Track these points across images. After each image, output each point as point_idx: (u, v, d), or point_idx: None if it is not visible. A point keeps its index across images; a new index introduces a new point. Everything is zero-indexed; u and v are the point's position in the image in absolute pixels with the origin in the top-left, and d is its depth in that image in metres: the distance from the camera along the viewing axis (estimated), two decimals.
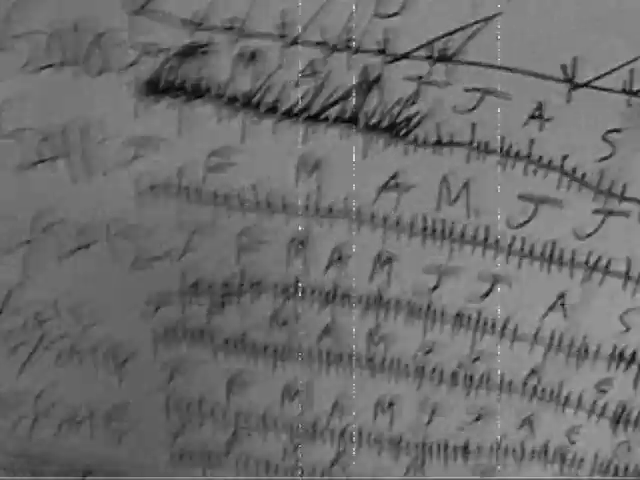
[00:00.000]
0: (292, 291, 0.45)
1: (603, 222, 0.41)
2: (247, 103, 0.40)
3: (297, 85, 0.40)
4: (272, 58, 0.39)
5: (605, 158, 0.40)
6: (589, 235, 0.42)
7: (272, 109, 0.40)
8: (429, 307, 0.44)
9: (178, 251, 0.44)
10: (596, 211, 0.41)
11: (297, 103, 0.40)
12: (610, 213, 0.41)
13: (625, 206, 0.41)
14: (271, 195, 0.42)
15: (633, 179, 0.40)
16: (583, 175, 0.40)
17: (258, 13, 0.38)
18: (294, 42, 0.39)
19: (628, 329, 0.44)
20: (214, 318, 0.46)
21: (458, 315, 0.44)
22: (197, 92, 0.40)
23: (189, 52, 0.39)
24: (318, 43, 0.39)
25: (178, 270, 0.45)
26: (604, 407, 0.46)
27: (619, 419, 0.46)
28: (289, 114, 0.40)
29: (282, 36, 0.39)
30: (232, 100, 0.40)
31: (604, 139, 0.39)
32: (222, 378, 0.47)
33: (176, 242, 0.44)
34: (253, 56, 0.40)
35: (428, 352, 0.45)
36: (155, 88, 0.40)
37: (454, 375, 0.46)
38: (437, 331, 0.45)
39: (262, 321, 0.46)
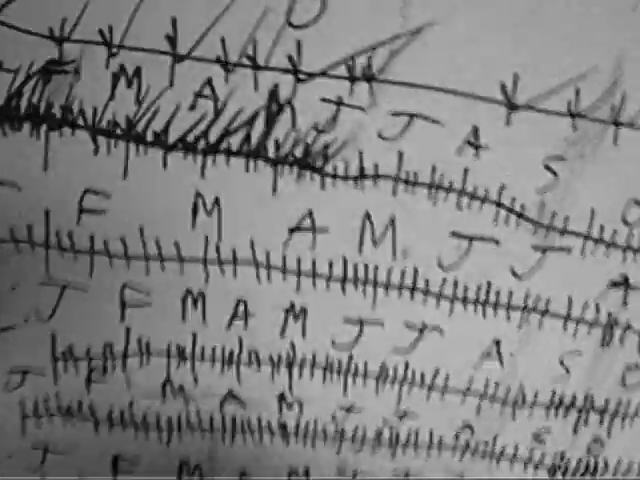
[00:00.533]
0: (189, 351, 0.38)
1: (542, 259, 0.37)
2: (130, 130, 0.33)
3: (192, 108, 0.33)
4: (160, 76, 0.32)
5: (546, 188, 0.35)
6: (527, 274, 0.37)
7: (160, 137, 0.33)
8: (350, 361, 0.38)
9: (47, 310, 0.36)
10: (535, 247, 0.37)
11: (192, 130, 0.33)
12: (550, 249, 0.37)
13: (567, 240, 0.37)
14: (162, 239, 0.35)
15: (576, 210, 0.36)
16: (522, 207, 0.36)
17: (142, 21, 0.31)
18: (187, 56, 0.32)
19: (568, 372, 0.40)
20: (94, 387, 0.38)
21: (382, 368, 0.39)
22: (67, 118, 0.33)
23: (55, 69, 0.32)
24: (218, 59, 0.32)
25: (47, 332, 0.37)
26: (541, 458, 0.42)
27: (557, 469, 0.42)
28: (182, 143, 0.33)
29: (173, 49, 0.32)
30: (111, 127, 0.33)
31: (546, 167, 0.35)
32: (106, 457, 0.40)
33: (45, 300, 0.36)
34: (137, 73, 0.32)
35: (349, 411, 0.40)
36: (12, 114, 0.32)
37: (378, 435, 0.40)
38: (359, 387, 0.39)
39: (153, 388, 0.39)
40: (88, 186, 0.34)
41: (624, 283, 0.38)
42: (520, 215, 0.36)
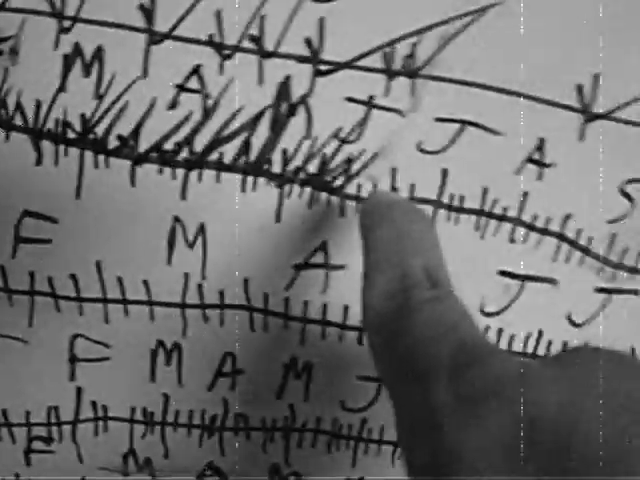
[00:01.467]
0: (158, 417, 0.29)
1: (606, 304, 0.29)
2: (86, 134, 0.24)
3: (172, 106, 0.24)
4: (129, 61, 0.24)
5: (620, 218, 0.28)
6: (587, 322, 0.30)
7: (128, 144, 0.25)
8: (362, 427, 0.31)
9: None
10: (599, 290, 0.29)
11: (171, 135, 0.25)
12: (617, 292, 0.29)
13: (638, 281, 0.29)
14: (126, 278, 0.27)
15: None
16: (588, 241, 0.28)
17: None
18: (168, 35, 0.23)
19: None
20: (35, 460, 0.30)
21: None
22: None
23: None
24: (210, 40, 0.24)
25: None
26: None
27: None
28: (157, 153, 0.25)
29: (148, 25, 0.23)
30: (61, 129, 0.24)
31: (622, 192, 0.27)
32: None
33: None
34: (98, 56, 0.24)
35: None
36: None
37: None
38: (371, 458, 0.31)
39: (111, 461, 0.30)
40: (27, 207, 0.25)
41: None
42: (585, 250, 0.28)
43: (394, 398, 0.21)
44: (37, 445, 0.29)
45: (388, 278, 0.22)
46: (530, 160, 0.27)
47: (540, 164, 0.27)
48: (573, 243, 0.28)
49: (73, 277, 0.26)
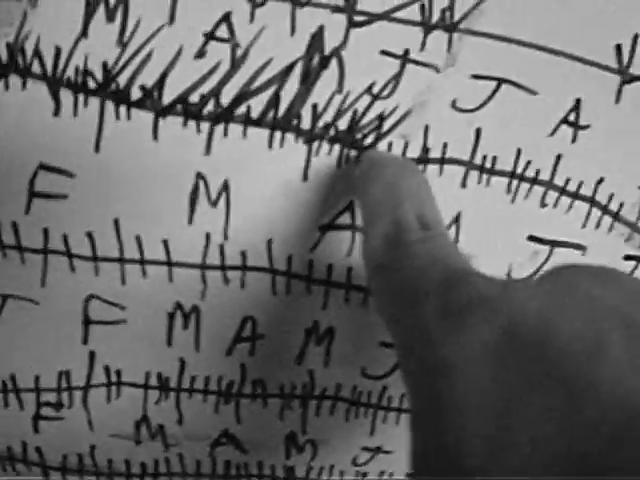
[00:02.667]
0: (174, 383, 0.28)
1: (635, 271, 0.29)
2: (107, 84, 0.23)
3: (199, 56, 0.23)
4: (156, 6, 0.22)
5: None
6: None
7: (151, 95, 0.23)
8: (382, 394, 0.30)
9: None
10: (629, 257, 0.29)
11: (197, 87, 0.23)
12: None
13: None
14: (145, 236, 0.25)
15: None
16: (620, 206, 0.27)
17: None
18: None
19: None
20: (44, 427, 0.29)
21: None
22: (15, 62, 0.22)
23: None
24: None
25: None
26: None
27: None
28: (182, 105, 0.24)
29: None
30: (81, 78, 0.23)
31: None
32: None
33: None
34: (123, 0, 0.22)
35: (375, 454, 0.31)
36: None
37: None
38: (390, 426, 0.30)
39: (123, 428, 0.29)
40: (43, 160, 0.24)
41: None
42: (616, 216, 0.28)
43: (392, 330, 0.22)
44: (46, 411, 0.28)
45: (383, 226, 0.23)
46: (565, 121, 0.26)
47: (575, 126, 0.26)
48: (604, 208, 0.27)
49: (89, 235, 0.25)
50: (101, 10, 0.22)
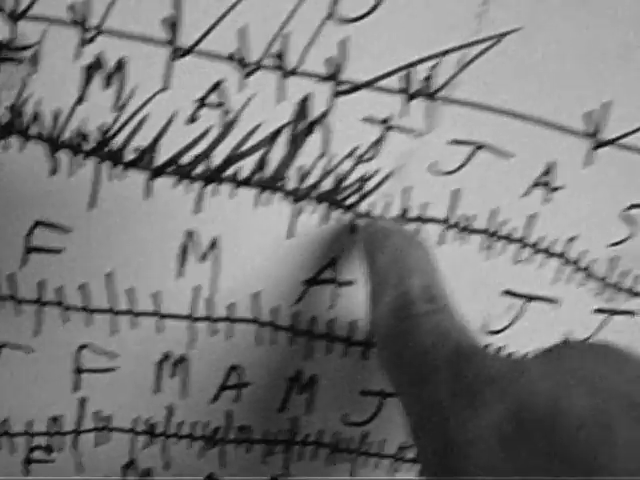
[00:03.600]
0: (161, 428, 0.29)
1: (605, 324, 0.30)
2: (103, 145, 0.24)
3: (192, 120, 0.24)
4: (152, 74, 0.24)
5: (622, 241, 0.29)
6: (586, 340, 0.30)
7: (145, 157, 0.25)
8: (363, 441, 0.31)
9: None
10: (599, 310, 0.30)
11: (189, 149, 0.25)
12: (615, 313, 0.30)
13: (635, 304, 0.30)
14: (137, 289, 0.26)
15: None
16: (591, 263, 0.29)
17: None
18: (191, 50, 0.23)
19: None
20: (34, 470, 0.29)
21: (401, 449, 0.31)
22: (16, 124, 0.23)
23: (4, 56, 0.22)
24: (233, 56, 0.24)
25: None
26: None
27: None
28: (175, 166, 0.25)
29: (172, 39, 0.23)
30: (78, 140, 0.24)
31: (625, 216, 0.28)
32: None
33: None
34: (119, 67, 0.23)
35: None
36: None
37: None
38: (370, 470, 0.32)
39: (111, 472, 0.30)
40: (40, 217, 0.25)
41: None
42: (587, 272, 0.29)
43: (404, 402, 0.22)
44: (37, 455, 0.29)
45: (390, 298, 0.23)
46: (538, 183, 0.27)
47: (548, 187, 0.27)
48: (575, 264, 0.29)
49: (83, 287, 0.26)
50: (99, 77, 0.23)
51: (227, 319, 0.27)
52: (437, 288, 0.24)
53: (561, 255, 0.28)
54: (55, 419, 0.29)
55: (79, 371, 0.28)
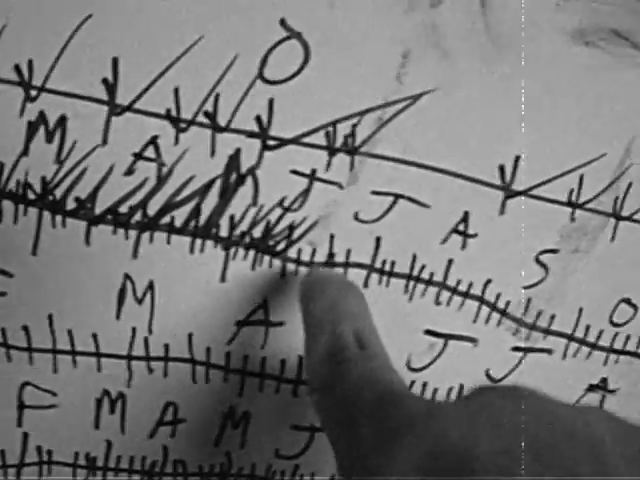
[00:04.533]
0: (100, 462, 0.30)
1: (521, 361, 0.32)
2: (45, 195, 0.26)
3: (129, 173, 0.26)
4: (91, 129, 0.25)
5: (535, 284, 0.31)
6: (503, 377, 0.32)
7: (85, 206, 0.26)
8: (295, 473, 0.32)
9: None
10: (516, 348, 0.32)
11: (126, 199, 0.26)
12: (531, 350, 0.32)
13: (549, 342, 0.32)
14: (76, 330, 0.28)
15: (563, 309, 0.31)
16: (506, 304, 0.31)
17: (74, 58, 0.24)
18: (128, 108, 0.25)
19: None
20: None
21: None
22: None
23: None
24: (168, 114, 0.25)
25: None
26: None
27: None
28: (112, 215, 0.26)
29: (110, 97, 0.25)
30: (21, 190, 0.26)
31: (537, 261, 0.30)
32: None
33: None
34: (61, 123, 0.25)
35: None
36: None
37: None
38: None
39: None
40: None
41: (603, 387, 0.34)
42: (503, 313, 0.31)
43: (333, 441, 0.24)
44: None
45: (324, 343, 0.25)
46: (455, 231, 0.29)
47: (464, 234, 0.29)
48: (492, 306, 0.31)
49: (25, 328, 0.28)
50: (41, 132, 0.25)
51: (163, 358, 0.29)
52: (369, 334, 0.25)
53: (479, 297, 0.31)
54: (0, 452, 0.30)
55: (22, 407, 0.29)
